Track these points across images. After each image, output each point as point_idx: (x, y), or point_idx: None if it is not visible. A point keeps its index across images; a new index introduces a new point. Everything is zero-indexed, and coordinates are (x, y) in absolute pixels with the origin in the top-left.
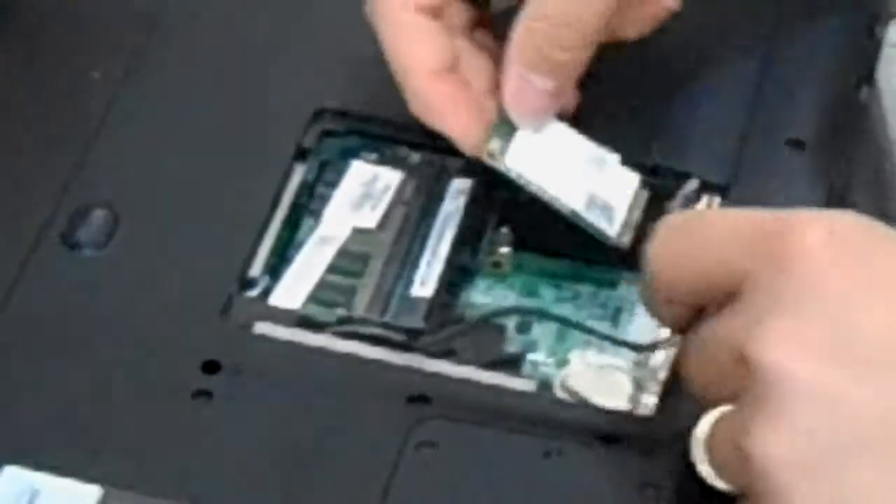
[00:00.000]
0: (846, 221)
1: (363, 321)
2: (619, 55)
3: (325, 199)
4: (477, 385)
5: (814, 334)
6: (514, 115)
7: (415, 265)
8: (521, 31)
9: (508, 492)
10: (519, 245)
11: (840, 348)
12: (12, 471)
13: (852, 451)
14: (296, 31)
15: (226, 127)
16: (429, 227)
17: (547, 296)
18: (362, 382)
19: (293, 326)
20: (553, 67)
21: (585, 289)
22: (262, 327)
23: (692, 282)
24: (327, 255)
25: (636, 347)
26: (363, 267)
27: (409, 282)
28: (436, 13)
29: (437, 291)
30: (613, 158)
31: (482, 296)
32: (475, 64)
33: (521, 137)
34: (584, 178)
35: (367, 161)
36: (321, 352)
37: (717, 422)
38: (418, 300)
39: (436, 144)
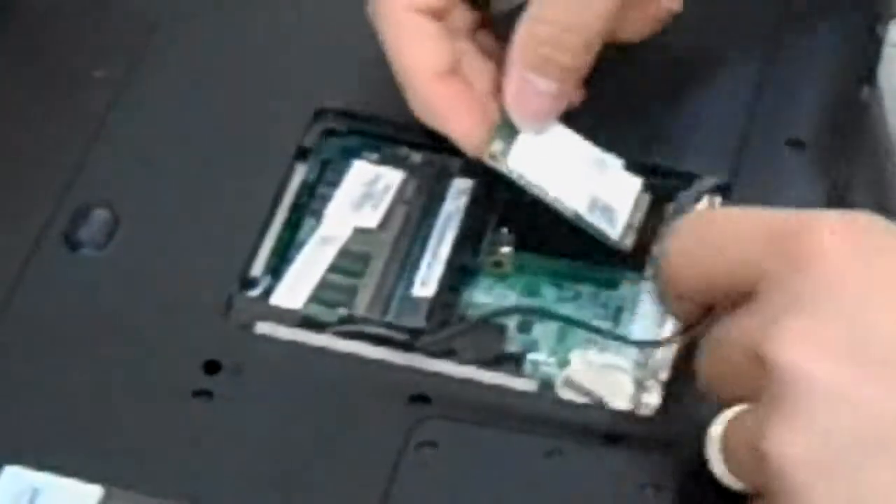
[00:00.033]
0: (863, 222)
1: (364, 321)
2: (619, 55)
3: (326, 199)
4: (478, 385)
5: (830, 334)
6: (515, 118)
7: (416, 265)
8: (524, 34)
9: (509, 492)
10: (520, 245)
11: (857, 348)
12: (13, 470)
13: (869, 450)
14: (297, 30)
15: (227, 126)
16: (430, 227)
17: (548, 296)
18: (363, 382)
19: (294, 326)
20: (555, 70)
21: (586, 289)
22: (263, 327)
23: (707, 279)
24: (328, 254)
25: (639, 343)
26: (364, 267)
27: (411, 282)
28: (438, 15)
29: (439, 291)
30: (616, 162)
31: (483, 296)
32: (477, 66)
33: (524, 139)
34: (586, 180)
35: (369, 161)
36: (322, 352)
37: (732, 421)
38: (419, 300)
39: (437, 144)
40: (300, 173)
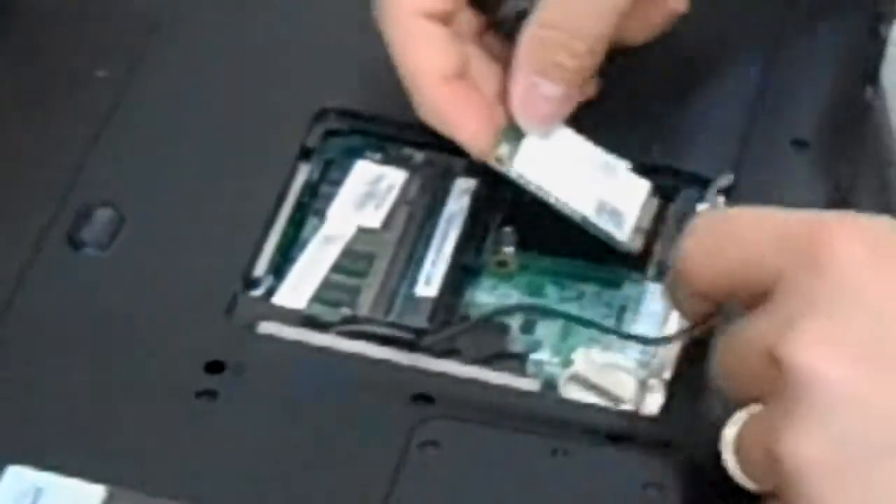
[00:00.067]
0: (881, 225)
1: (367, 321)
2: (622, 55)
3: (329, 199)
4: (481, 384)
5: (847, 337)
6: (522, 121)
7: (419, 265)
8: (530, 38)
9: (512, 491)
10: (523, 244)
11: (873, 351)
12: (16, 470)
13: (884, 454)
14: (299, 30)
15: (230, 126)
16: (433, 227)
17: (551, 295)
18: (366, 382)
19: (297, 326)
20: (562, 74)
21: (590, 288)
22: (266, 327)
23: (722, 278)
24: (331, 254)
25: (645, 341)
26: (367, 266)
27: (414, 281)
28: (444, 19)
29: (442, 291)
30: (623, 165)
31: (486, 295)
32: (484, 69)
33: (530, 143)
34: (593, 183)
35: (372, 160)
36: (325, 351)
37: (747, 422)
38: (422, 300)
39: (440, 144)
40: (303, 173)
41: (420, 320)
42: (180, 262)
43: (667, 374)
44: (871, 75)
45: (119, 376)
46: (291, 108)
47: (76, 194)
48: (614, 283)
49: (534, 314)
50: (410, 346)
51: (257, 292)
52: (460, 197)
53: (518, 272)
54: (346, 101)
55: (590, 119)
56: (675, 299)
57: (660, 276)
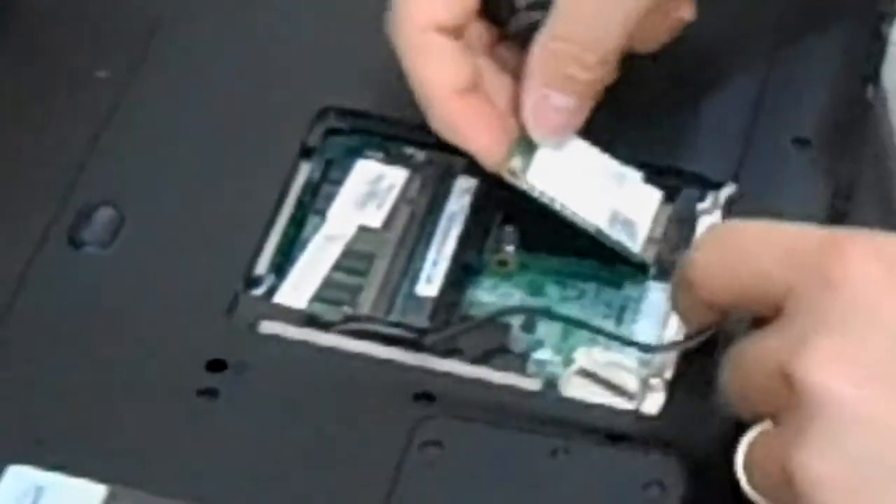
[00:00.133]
0: (894, 244)
1: (369, 320)
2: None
3: (330, 198)
4: (482, 384)
5: (861, 355)
6: (534, 133)
7: (420, 264)
8: (542, 50)
9: (513, 490)
10: (524, 244)
11: (888, 370)
12: (17, 469)
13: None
14: (300, 29)
15: (231, 125)
16: (434, 226)
17: (552, 294)
18: (367, 381)
19: (298, 325)
20: (573, 86)
21: (590, 287)
22: (268, 326)
23: (730, 291)
24: (333, 253)
25: (647, 348)
26: (368, 265)
27: (415, 280)
28: (455, 33)
29: (443, 290)
30: (635, 175)
31: (487, 294)
32: (497, 82)
33: (543, 155)
34: (605, 194)
35: (373, 159)
36: (326, 350)
37: (758, 438)
38: (424, 299)
39: (441, 143)
40: (304, 172)
41: (421, 319)
42: (181, 261)
43: (668, 374)
44: (873, 75)
45: (120, 375)
46: (292, 107)
47: (77, 193)
48: (615, 283)
49: (536, 315)
50: (412, 345)
51: (258, 291)
52: (461, 196)
53: (519, 271)
54: (347, 100)
55: (592, 119)
56: (680, 307)
57: (660, 275)
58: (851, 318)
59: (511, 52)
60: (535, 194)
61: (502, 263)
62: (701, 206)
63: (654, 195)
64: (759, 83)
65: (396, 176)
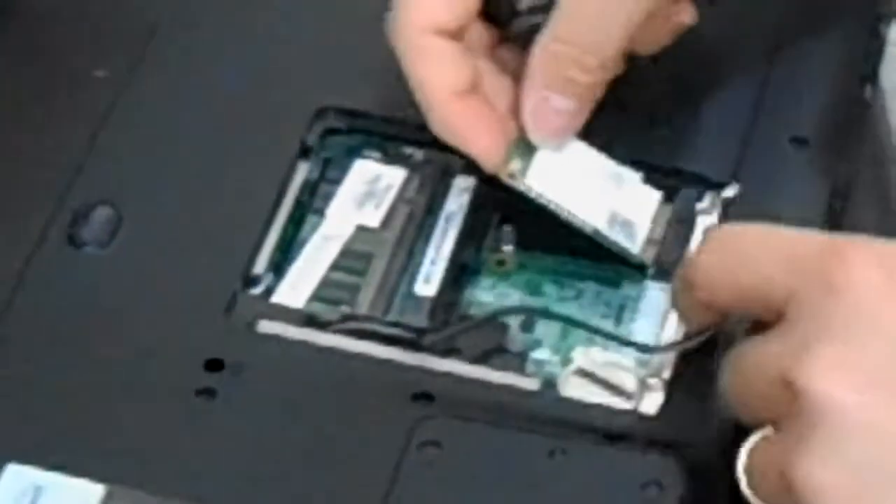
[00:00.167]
0: (894, 249)
1: (367, 319)
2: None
3: (328, 197)
4: (481, 383)
5: (863, 362)
6: (533, 136)
7: (418, 263)
8: (542, 53)
9: (512, 490)
10: (522, 243)
11: (889, 377)
12: (15, 469)
13: None
14: (298, 28)
15: (229, 125)
16: (432, 226)
17: (550, 294)
18: (366, 381)
19: (297, 324)
20: (573, 89)
21: (589, 287)
22: (266, 325)
23: (732, 295)
24: (331, 253)
25: (645, 349)
26: (367, 265)
27: (413, 280)
28: (455, 35)
29: (441, 290)
30: (634, 176)
31: (486, 294)
32: (497, 84)
33: (541, 157)
34: (604, 195)
35: (371, 159)
36: (325, 350)
37: (759, 444)
38: (422, 298)
39: (439, 143)
40: (302, 172)
41: (419, 319)
42: (180, 261)
43: (666, 374)
44: (871, 75)
45: (118, 375)
46: (291, 106)
47: (75, 193)
48: (613, 282)
49: (535, 316)
50: (410, 345)
51: (257, 291)
52: (459, 195)
53: (517, 271)
54: (346, 99)
55: (590, 119)
56: (680, 307)
57: (659, 275)
58: (853, 325)
59: (512, 54)
60: (534, 196)
61: (501, 263)
62: (700, 205)
63: (654, 195)
64: (757, 83)
65: (395, 175)
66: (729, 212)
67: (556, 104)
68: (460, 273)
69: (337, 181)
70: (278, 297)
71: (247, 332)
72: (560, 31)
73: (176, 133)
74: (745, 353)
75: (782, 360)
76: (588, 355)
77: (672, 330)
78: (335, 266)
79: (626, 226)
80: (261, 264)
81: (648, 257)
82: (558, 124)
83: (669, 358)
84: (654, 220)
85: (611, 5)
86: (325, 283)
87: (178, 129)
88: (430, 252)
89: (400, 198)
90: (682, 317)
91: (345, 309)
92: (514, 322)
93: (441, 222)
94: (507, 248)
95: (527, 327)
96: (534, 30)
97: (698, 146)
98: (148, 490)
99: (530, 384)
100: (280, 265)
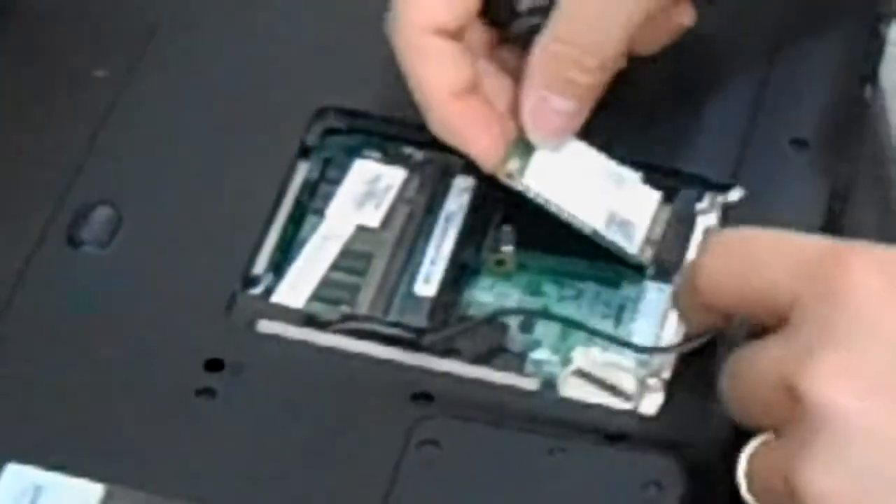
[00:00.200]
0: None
1: (367, 319)
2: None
3: (328, 197)
4: (480, 383)
5: (864, 368)
6: (532, 136)
7: (418, 263)
8: (542, 53)
9: (511, 490)
10: (522, 243)
11: (890, 383)
12: (15, 469)
13: None
14: (298, 28)
15: (229, 125)
16: (432, 226)
17: (550, 294)
18: (365, 381)
19: (296, 324)
20: (573, 89)
21: (589, 287)
22: (266, 325)
23: (736, 298)
24: (331, 253)
25: (645, 350)
26: (366, 265)
27: (413, 280)
28: (455, 35)
29: (441, 290)
30: (633, 176)
31: (485, 294)
32: (496, 84)
33: (540, 157)
34: (603, 195)
35: (371, 159)
36: (324, 350)
37: (760, 449)
38: (422, 298)
39: (439, 143)
40: (302, 171)
41: (419, 319)
42: (179, 261)
43: (666, 374)
44: (871, 75)
45: (118, 374)
46: (291, 106)
47: (75, 193)
48: (613, 282)
49: (535, 317)
50: (410, 345)
51: (256, 291)
52: (459, 195)
53: (517, 271)
54: (346, 99)
55: (590, 120)
56: (682, 308)
57: (659, 275)
58: (855, 331)
59: (511, 55)
60: (532, 196)
61: (500, 263)
62: (699, 206)
63: (653, 196)
64: (757, 83)
65: (394, 175)
66: (728, 213)
67: (556, 104)
68: (460, 273)
69: (337, 181)
70: (278, 297)
71: (247, 332)
72: (560, 32)
73: (176, 133)
74: (746, 357)
75: (784, 366)
76: (588, 355)
77: (672, 330)
78: (335, 266)
79: (624, 226)
80: (261, 264)
81: (647, 257)
82: (558, 124)
83: (669, 358)
84: (654, 221)
85: (611, 6)
86: (324, 283)
87: (178, 129)
88: (430, 252)
89: (400, 198)
90: (683, 318)
91: (345, 309)
92: (513, 322)
93: (441, 222)
94: (507, 249)
95: (526, 327)
96: (534, 31)
97: (698, 146)
98: (148, 490)
99: (530, 384)
100: (280, 265)
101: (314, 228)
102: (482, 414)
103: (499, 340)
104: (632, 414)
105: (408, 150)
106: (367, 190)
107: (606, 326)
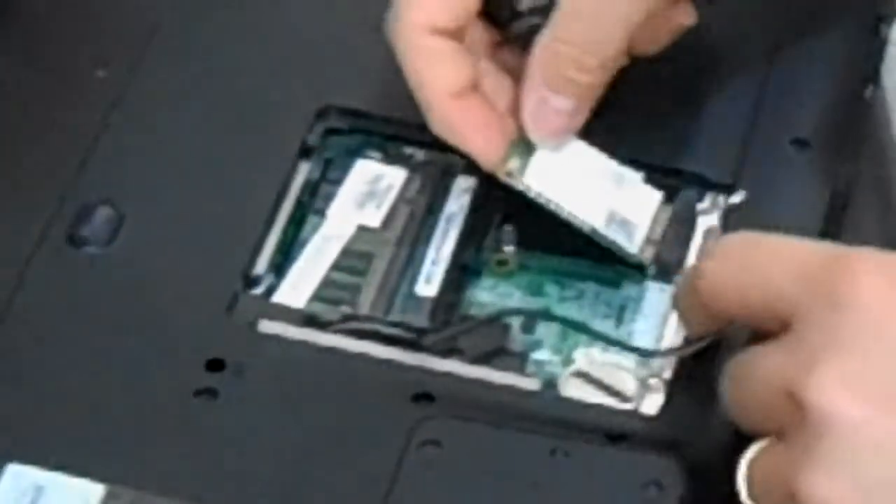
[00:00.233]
0: None
1: (368, 319)
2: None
3: (329, 198)
4: (481, 384)
5: (868, 375)
6: (532, 135)
7: (419, 263)
8: (542, 52)
9: (512, 490)
10: (523, 243)
11: (889, 390)
12: (16, 469)
13: None
14: (299, 28)
15: (230, 125)
16: (433, 226)
17: (551, 294)
18: (366, 381)
19: (297, 324)
20: (573, 89)
21: (590, 287)
22: (267, 325)
23: (739, 304)
24: (332, 253)
25: (645, 353)
26: (367, 265)
27: (414, 280)
28: (455, 35)
29: (442, 290)
30: (634, 176)
31: (486, 294)
32: (497, 84)
33: (540, 156)
34: (604, 195)
35: (372, 159)
36: (325, 350)
37: (759, 455)
38: (423, 299)
39: (440, 143)
40: (303, 172)
41: (420, 319)
42: (180, 261)
43: (667, 375)
44: (873, 75)
45: (119, 374)
46: (292, 106)
47: (76, 193)
48: (614, 283)
49: (537, 318)
50: (411, 345)
51: (257, 291)
52: (460, 196)
53: (518, 271)
54: (347, 99)
55: (593, 120)
56: (683, 311)
57: (660, 275)
58: (859, 338)
59: (512, 54)
60: (532, 195)
61: (501, 263)
62: (700, 206)
63: (654, 196)
64: (758, 84)
65: (395, 176)
66: (729, 213)
67: (556, 104)
68: (461, 273)
69: (338, 181)
70: (279, 297)
71: (248, 332)
72: (560, 31)
73: (176, 133)
74: (748, 362)
75: (787, 372)
76: (589, 356)
77: (672, 330)
78: (336, 266)
79: (624, 225)
80: (262, 264)
81: (647, 257)
82: (558, 124)
83: (670, 359)
84: (655, 221)
85: (611, 6)
86: (325, 283)
87: (178, 128)
88: (431, 252)
89: (401, 198)
90: (684, 320)
91: (346, 309)
92: (515, 322)
93: (442, 222)
94: (508, 249)
95: (528, 328)
96: (534, 31)
97: (699, 146)
98: (148, 490)
99: (531, 384)
100: (281, 265)
101: (315, 228)
102: (483, 414)
103: (500, 341)
104: (632, 414)
105: (409, 150)
106: (369, 190)
107: (607, 326)
